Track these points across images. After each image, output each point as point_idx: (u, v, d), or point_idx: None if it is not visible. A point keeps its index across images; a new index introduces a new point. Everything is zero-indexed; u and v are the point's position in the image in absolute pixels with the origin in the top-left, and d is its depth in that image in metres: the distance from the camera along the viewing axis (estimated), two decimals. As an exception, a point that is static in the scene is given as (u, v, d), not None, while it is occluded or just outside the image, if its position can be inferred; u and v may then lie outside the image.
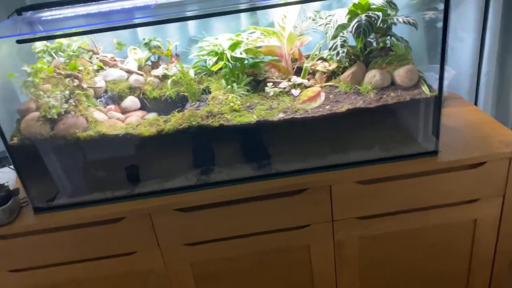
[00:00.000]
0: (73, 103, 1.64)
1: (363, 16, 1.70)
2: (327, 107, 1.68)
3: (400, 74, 1.70)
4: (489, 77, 2.29)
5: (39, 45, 1.78)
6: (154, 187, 1.70)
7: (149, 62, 2.01)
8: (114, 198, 1.69)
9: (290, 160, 1.72)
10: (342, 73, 1.84)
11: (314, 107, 1.70)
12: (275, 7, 1.84)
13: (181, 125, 1.63)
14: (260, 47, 1.92)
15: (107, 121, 1.70)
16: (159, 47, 1.97)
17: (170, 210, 1.67)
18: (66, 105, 1.62)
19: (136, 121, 1.73)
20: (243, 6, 1.82)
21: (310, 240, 1.80)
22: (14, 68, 1.69)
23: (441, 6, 1.50)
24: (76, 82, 1.70)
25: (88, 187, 1.71)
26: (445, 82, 1.65)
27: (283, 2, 1.77)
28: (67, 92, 1.66)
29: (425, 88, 1.66)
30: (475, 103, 2.37)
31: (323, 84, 1.83)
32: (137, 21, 1.66)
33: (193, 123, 1.62)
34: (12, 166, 1.61)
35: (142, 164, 1.72)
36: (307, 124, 1.65)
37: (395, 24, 1.81)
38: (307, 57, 1.97)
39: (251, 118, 1.65)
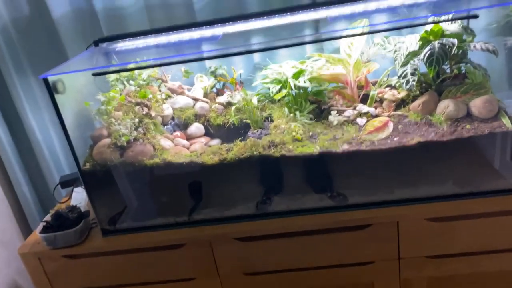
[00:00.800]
0: (142, 131, 1.70)
1: (436, 43, 1.61)
2: (395, 138, 1.60)
3: (477, 104, 1.58)
4: None
5: (112, 74, 1.88)
6: (215, 214, 1.71)
7: (214, 90, 2.05)
8: (176, 224, 1.72)
9: (355, 193, 1.65)
10: (412, 101, 1.75)
11: (382, 138, 1.62)
12: (340, 38, 1.80)
13: (242, 154, 1.62)
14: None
15: (173, 148, 1.74)
16: (224, 75, 2.00)
17: (230, 239, 1.66)
18: (135, 133, 1.69)
19: (200, 148, 1.76)
20: (308, 39, 1.80)
21: (375, 278, 1.71)
22: (89, 95, 1.80)
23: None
24: (145, 110, 1.77)
25: (152, 212, 1.76)
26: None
27: (349, 33, 1.74)
28: (137, 120, 1.73)
29: (506, 121, 1.52)
30: None
31: (391, 113, 1.75)
32: (206, 54, 1.69)
33: (255, 152, 1.62)
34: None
35: (204, 192, 1.74)
36: (373, 156, 1.57)
37: (471, 50, 1.69)
38: (374, 83, 1.90)
39: (314, 149, 1.61)
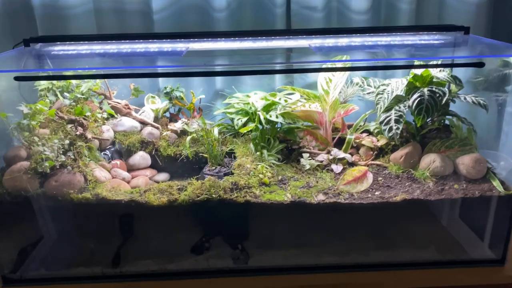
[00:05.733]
0: (72, 156, 1.36)
1: (425, 91, 1.45)
2: (376, 192, 1.39)
3: (466, 163, 1.42)
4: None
5: (43, 82, 1.53)
6: (153, 267, 1.38)
7: (167, 114, 1.75)
8: (104, 276, 1.37)
9: (324, 252, 1.40)
10: (391, 151, 1.57)
11: (361, 190, 1.41)
12: (320, 71, 1.60)
13: (198, 196, 1.33)
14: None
15: (110, 181, 1.41)
16: (182, 98, 1.71)
17: (171, 300, 1.33)
18: (63, 158, 1.34)
19: (145, 184, 1.45)
20: (280, 67, 1.58)
21: None
22: (9, 104, 1.43)
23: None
24: (80, 130, 1.43)
25: (74, 259, 1.38)
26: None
27: (328, 66, 1.55)
28: (67, 141, 1.38)
29: (496, 184, 1.38)
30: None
31: (370, 162, 1.55)
32: (160, 70, 1.41)
33: (214, 195, 1.33)
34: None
35: (143, 238, 1.41)
36: (351, 211, 1.35)
37: (453, 101, 1.56)
38: (349, 127, 1.71)
39: (284, 196, 1.36)
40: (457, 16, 1.77)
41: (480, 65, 1.20)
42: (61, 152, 1.35)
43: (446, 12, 1.79)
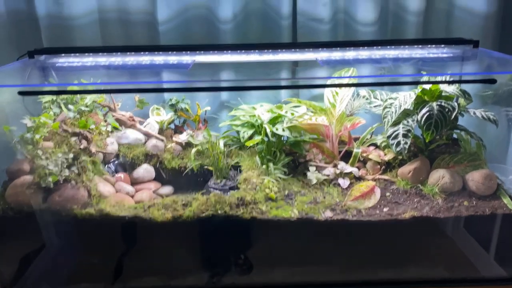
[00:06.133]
0: (76, 171, 1.34)
1: (434, 105, 1.43)
2: (385, 209, 1.37)
3: (476, 179, 1.40)
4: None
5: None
6: (157, 283, 1.35)
7: (172, 126, 1.73)
8: (107, 292, 1.34)
9: (332, 269, 1.38)
10: (399, 165, 1.55)
11: (368, 206, 1.38)
12: (326, 87, 1.58)
13: (203, 212, 1.31)
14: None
15: (114, 195, 1.39)
16: (187, 110, 1.70)
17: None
18: (66, 172, 1.32)
19: (149, 198, 1.43)
20: (286, 82, 1.57)
21: None
22: (13, 117, 1.42)
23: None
24: (84, 144, 1.41)
25: (76, 276, 1.36)
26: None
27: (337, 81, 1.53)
28: (71, 155, 1.36)
29: (507, 201, 1.35)
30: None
31: (377, 177, 1.53)
32: (165, 85, 1.39)
33: (219, 212, 1.31)
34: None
35: (147, 254, 1.38)
36: (359, 228, 1.32)
37: (462, 115, 1.54)
38: (355, 139, 1.69)
39: (291, 213, 1.33)
40: (465, 28, 1.75)
41: (492, 81, 1.18)
42: (65, 166, 1.33)
43: (454, 25, 1.77)
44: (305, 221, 1.31)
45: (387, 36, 1.80)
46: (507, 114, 1.51)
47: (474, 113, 1.47)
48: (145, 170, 1.56)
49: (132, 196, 1.45)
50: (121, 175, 1.51)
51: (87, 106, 1.53)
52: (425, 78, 1.52)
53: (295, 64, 1.76)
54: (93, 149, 1.41)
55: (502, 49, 1.77)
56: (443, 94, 1.49)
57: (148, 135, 1.65)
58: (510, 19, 1.78)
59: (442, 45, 1.59)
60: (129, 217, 1.28)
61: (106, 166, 1.50)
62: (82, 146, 1.40)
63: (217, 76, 1.58)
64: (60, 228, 1.30)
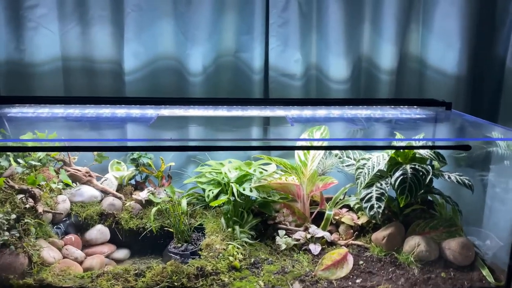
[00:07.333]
0: (17, 234, 1.20)
1: (408, 168, 1.37)
2: (357, 280, 1.27)
3: (453, 248, 1.32)
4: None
5: (-4, 146, 1.40)
6: None
7: (133, 181, 1.62)
8: None
9: None
10: (372, 230, 1.46)
11: (341, 276, 1.28)
12: (297, 149, 1.52)
13: (158, 284, 1.17)
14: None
15: (59, 261, 1.24)
16: (149, 165, 1.59)
17: None
18: (6, 235, 1.18)
19: (99, 265, 1.28)
20: (256, 142, 1.50)
21: None
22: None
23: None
24: (30, 203, 1.28)
25: None
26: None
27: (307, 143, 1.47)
28: (13, 215, 1.22)
29: (486, 273, 1.27)
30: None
31: (350, 242, 1.43)
32: (129, 143, 1.30)
33: (176, 284, 1.18)
34: None
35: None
36: (330, 302, 1.21)
37: (436, 177, 1.48)
38: (328, 200, 1.60)
39: (256, 285, 1.21)
40: (437, 88, 1.75)
41: (466, 147, 1.13)
42: (5, 228, 1.19)
43: (426, 85, 1.76)
44: (271, 295, 1.19)
45: (360, 94, 1.77)
46: (482, 178, 1.46)
47: (449, 177, 1.42)
48: (99, 231, 1.42)
49: (81, 262, 1.30)
50: (71, 236, 1.37)
51: (39, 161, 1.41)
52: (399, 142, 1.48)
53: (266, 121, 1.71)
54: (40, 208, 1.28)
55: (473, 111, 1.76)
56: (416, 156, 1.44)
57: (105, 192, 1.52)
58: (480, 82, 1.79)
59: (415, 106, 1.56)
60: (73, 289, 1.14)
61: (55, 227, 1.36)
62: (27, 205, 1.27)
63: (181, 131, 1.50)
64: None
